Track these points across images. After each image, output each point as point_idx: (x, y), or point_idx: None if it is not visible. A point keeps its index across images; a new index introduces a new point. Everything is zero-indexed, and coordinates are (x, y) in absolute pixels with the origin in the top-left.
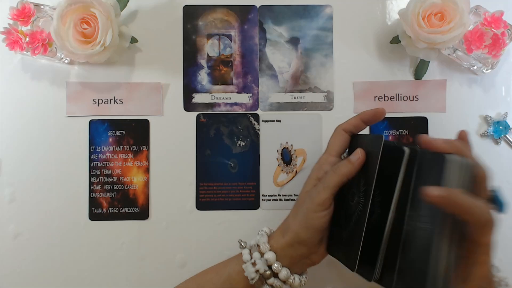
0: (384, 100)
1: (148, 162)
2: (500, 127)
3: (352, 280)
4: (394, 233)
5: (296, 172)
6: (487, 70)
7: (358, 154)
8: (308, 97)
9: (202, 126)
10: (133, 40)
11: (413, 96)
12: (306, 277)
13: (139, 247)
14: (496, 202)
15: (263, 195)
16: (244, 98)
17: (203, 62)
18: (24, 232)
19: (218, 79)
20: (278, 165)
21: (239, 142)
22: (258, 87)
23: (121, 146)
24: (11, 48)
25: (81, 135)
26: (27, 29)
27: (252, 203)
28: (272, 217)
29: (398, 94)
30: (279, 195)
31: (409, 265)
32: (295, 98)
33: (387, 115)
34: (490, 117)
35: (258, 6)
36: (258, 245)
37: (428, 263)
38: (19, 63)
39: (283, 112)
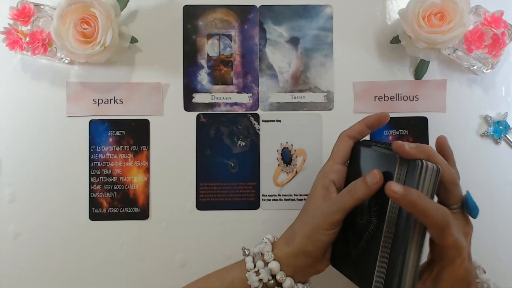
0: (384, 100)
1: (148, 162)
2: (500, 127)
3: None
4: (387, 243)
5: (296, 172)
6: (487, 70)
7: (376, 178)
8: (308, 97)
9: (202, 126)
10: (133, 40)
11: (413, 96)
12: (309, 286)
13: (139, 247)
14: (468, 206)
15: (263, 195)
16: (244, 98)
17: (203, 62)
18: (24, 232)
19: (218, 79)
20: (278, 165)
21: (239, 142)
22: (258, 87)
23: (121, 146)
24: (11, 48)
25: (81, 135)
26: (27, 29)
27: (252, 203)
28: (272, 217)
29: (398, 94)
30: (279, 195)
31: (389, 270)
32: (295, 98)
33: None
34: (490, 117)
35: (258, 6)
36: (262, 254)
37: (397, 266)
38: (19, 63)
39: (283, 112)
